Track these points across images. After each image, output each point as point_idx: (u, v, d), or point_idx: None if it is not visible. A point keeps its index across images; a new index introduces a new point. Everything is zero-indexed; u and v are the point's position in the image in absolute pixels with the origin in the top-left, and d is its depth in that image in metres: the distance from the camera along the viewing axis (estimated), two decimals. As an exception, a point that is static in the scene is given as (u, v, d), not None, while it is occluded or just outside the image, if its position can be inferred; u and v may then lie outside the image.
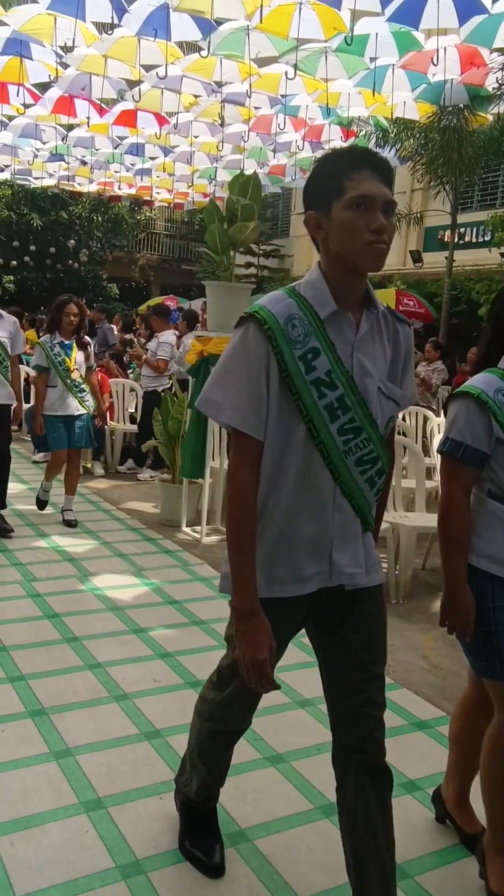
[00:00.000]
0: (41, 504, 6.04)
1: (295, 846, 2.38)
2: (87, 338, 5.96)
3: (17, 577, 4.60)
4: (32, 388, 6.29)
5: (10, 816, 2.42)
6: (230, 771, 2.73)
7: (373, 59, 6.98)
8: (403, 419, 7.20)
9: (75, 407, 5.74)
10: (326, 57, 6.99)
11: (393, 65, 7.20)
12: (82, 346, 5.84)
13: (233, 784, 2.67)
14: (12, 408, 5.50)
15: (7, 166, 12.52)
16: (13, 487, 6.90)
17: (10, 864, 2.21)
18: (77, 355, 5.76)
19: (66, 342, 5.74)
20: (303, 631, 4.17)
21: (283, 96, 8.15)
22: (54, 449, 5.84)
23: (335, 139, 9.73)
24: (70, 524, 5.79)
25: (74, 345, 5.76)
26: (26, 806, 2.48)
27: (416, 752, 2.99)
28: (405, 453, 5.61)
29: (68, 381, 5.68)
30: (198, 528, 5.80)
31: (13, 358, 5.44)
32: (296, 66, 6.87)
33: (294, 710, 3.23)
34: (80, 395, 5.76)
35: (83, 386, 5.79)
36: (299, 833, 2.44)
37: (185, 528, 5.96)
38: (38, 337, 11.54)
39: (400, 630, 4.26)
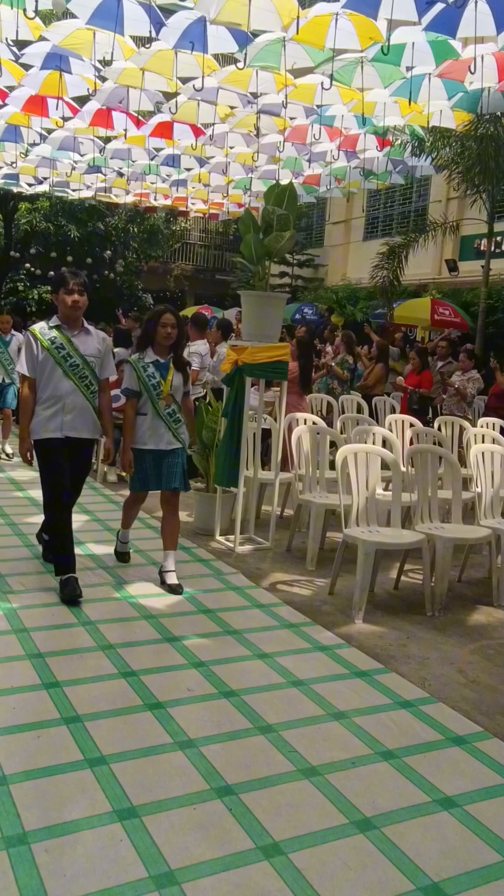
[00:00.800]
0: (122, 557, 5.21)
1: (329, 861, 2.35)
2: (188, 355, 5.17)
3: (54, 585, 4.63)
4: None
5: (45, 823, 2.43)
6: (263, 783, 2.72)
7: (409, 69, 6.94)
8: (439, 429, 7.13)
9: (168, 440, 4.76)
10: (362, 67, 6.96)
11: (429, 74, 7.15)
12: (181, 367, 4.88)
13: (267, 796, 2.65)
14: (101, 443, 4.81)
15: (46, 178, 12.70)
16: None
17: (45, 872, 2.21)
18: (174, 377, 4.80)
19: (162, 361, 4.78)
20: (337, 641, 4.13)
21: (318, 106, 8.13)
22: (136, 490, 4.95)
23: (371, 148, 9.71)
24: (174, 590, 4.68)
25: (171, 364, 4.81)
26: (60, 813, 2.48)
27: (453, 768, 2.94)
28: (441, 464, 5.55)
29: (162, 408, 4.76)
30: (231, 537, 5.80)
31: (102, 382, 4.63)
32: (332, 77, 6.85)
33: (328, 723, 3.20)
34: (175, 425, 4.79)
35: (179, 415, 4.84)
36: (334, 848, 2.41)
37: (218, 537, 5.96)
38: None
39: (436, 643, 4.20)
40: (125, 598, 4.53)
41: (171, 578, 4.73)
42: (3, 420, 8.87)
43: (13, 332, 8.74)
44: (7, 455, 8.71)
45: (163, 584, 4.73)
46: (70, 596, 4.35)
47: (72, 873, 2.22)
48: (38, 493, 7.03)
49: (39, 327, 4.52)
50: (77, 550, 5.38)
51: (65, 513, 4.55)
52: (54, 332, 4.47)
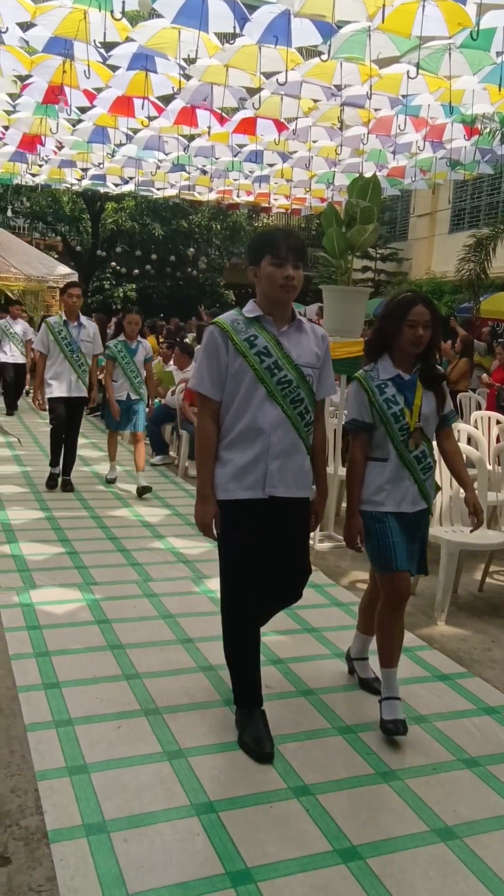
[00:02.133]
0: (369, 685, 3.40)
1: (409, 869, 2.29)
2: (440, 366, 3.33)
3: (135, 577, 4.71)
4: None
5: (125, 813, 2.46)
6: (341, 785, 2.68)
7: (500, 54, 6.72)
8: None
9: (413, 498, 3.09)
10: (450, 54, 6.79)
11: (522, 58, 6.91)
12: (434, 384, 3.13)
13: (345, 798, 2.61)
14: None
15: (131, 178, 12.96)
16: (130, 488, 7.10)
17: (124, 861, 2.24)
18: (423, 401, 3.08)
19: (406, 377, 3.08)
20: (419, 643, 4.03)
21: (404, 96, 7.99)
22: (392, 569, 3.05)
23: (458, 138, 9.46)
24: (398, 728, 2.98)
25: (419, 383, 3.09)
26: (140, 804, 2.51)
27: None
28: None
29: (407, 450, 3.06)
30: (311, 534, 5.75)
31: (320, 406, 3.00)
32: (418, 65, 6.70)
33: (409, 726, 3.12)
34: (423, 475, 3.10)
35: (430, 460, 3.13)
36: (414, 856, 2.35)
37: (298, 534, 5.92)
38: (158, 344, 11.90)
39: (522, 648, 4.05)
40: (205, 592, 4.56)
41: (393, 712, 3.03)
42: (136, 446, 7.11)
43: (139, 338, 7.05)
44: (142, 491, 6.77)
45: (385, 725, 3.01)
46: (259, 754, 2.81)
47: (150, 864, 2.24)
48: (123, 486, 7.20)
49: (230, 319, 2.86)
50: (158, 544, 5.46)
51: (254, 629, 2.95)
52: (254, 329, 2.83)
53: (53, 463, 6.98)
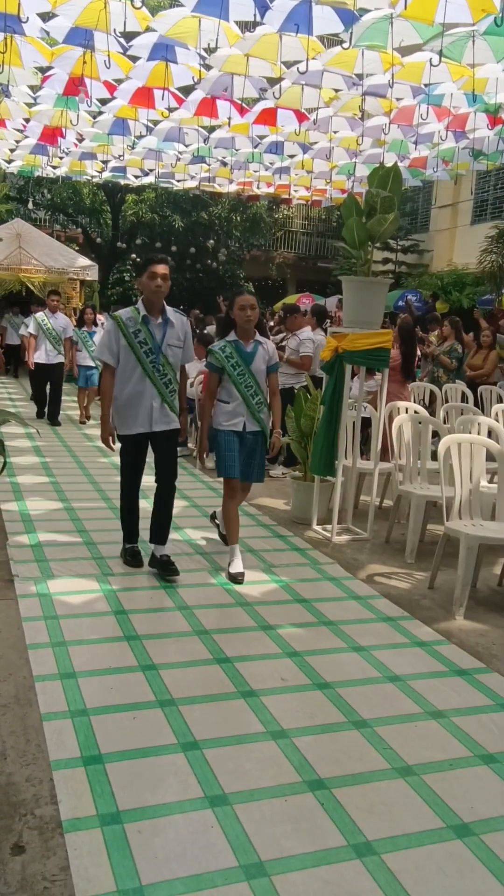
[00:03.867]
0: None
1: (425, 866, 2.27)
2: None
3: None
4: None
5: (139, 804, 2.45)
6: (357, 779, 2.66)
7: (525, 41, 6.61)
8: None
9: None
10: (474, 41, 6.68)
11: (547, 45, 6.79)
12: None
13: (360, 793, 2.59)
14: None
15: (151, 170, 12.92)
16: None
17: (137, 853, 2.24)
18: None
19: None
20: (436, 637, 3.97)
21: (426, 85, 7.87)
22: None
23: (481, 127, 9.33)
24: None
25: None
26: (154, 795, 2.51)
27: None
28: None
29: None
30: (328, 526, 5.73)
31: None
32: (441, 53, 6.60)
33: (426, 721, 3.10)
34: None
35: None
36: (430, 852, 2.33)
37: (315, 527, 5.90)
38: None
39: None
40: (221, 584, 4.55)
41: None
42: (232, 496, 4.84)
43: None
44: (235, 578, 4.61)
45: None
46: None
47: (163, 856, 2.23)
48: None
49: None
50: (175, 535, 5.46)
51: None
52: None
53: (129, 535, 4.79)
